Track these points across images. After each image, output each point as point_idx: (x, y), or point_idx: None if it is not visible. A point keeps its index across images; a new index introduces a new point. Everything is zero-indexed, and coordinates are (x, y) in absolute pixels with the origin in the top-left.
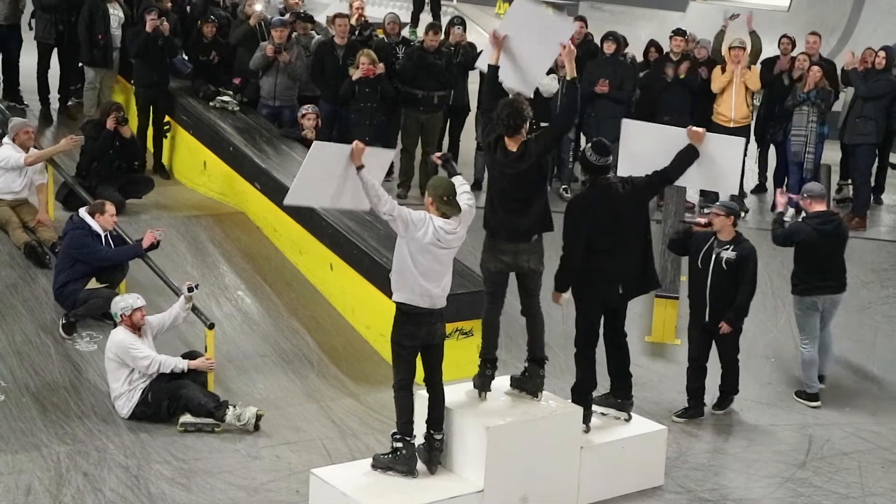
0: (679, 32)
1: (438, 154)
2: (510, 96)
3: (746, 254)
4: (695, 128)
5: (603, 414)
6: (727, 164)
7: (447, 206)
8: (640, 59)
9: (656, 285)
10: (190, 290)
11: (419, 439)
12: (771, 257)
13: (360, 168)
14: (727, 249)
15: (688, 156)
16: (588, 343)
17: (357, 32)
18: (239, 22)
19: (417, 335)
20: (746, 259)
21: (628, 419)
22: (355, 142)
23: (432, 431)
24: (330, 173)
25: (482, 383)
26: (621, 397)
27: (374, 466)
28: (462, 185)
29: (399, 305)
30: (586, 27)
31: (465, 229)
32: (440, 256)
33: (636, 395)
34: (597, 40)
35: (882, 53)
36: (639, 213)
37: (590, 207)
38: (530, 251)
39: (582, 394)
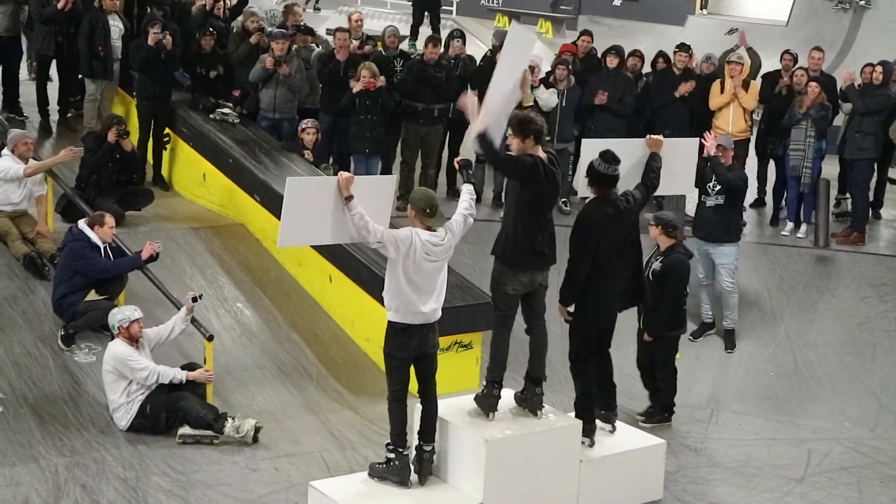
0: (683, 48)
1: (459, 159)
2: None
3: (672, 265)
4: (653, 136)
5: None
6: (684, 165)
7: (429, 217)
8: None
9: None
10: (194, 300)
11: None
12: (769, 272)
13: (348, 199)
14: (658, 260)
15: (656, 164)
16: (584, 357)
17: (359, 45)
18: (238, 37)
19: (409, 346)
20: (669, 271)
21: (612, 430)
22: (340, 172)
23: (422, 443)
24: (318, 209)
25: (490, 404)
26: (606, 408)
27: (371, 475)
28: (469, 193)
29: (392, 323)
30: (592, 41)
31: (456, 240)
32: (431, 271)
33: (634, 409)
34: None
35: (879, 68)
36: (635, 228)
37: (600, 221)
38: (546, 270)
39: (585, 408)
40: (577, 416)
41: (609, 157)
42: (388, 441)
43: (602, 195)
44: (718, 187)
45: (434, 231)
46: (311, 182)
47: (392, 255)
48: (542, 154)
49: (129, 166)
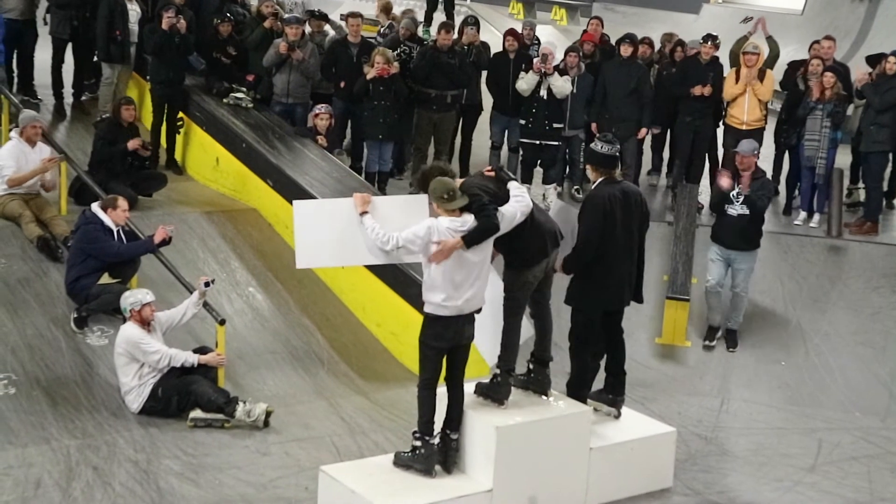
0: (710, 38)
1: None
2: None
3: None
4: None
5: (595, 410)
6: None
7: (448, 203)
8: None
9: (640, 300)
10: (207, 285)
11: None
12: (782, 261)
13: (363, 214)
14: None
15: None
16: (585, 340)
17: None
18: (255, 22)
19: (444, 336)
20: None
21: (617, 416)
22: (356, 193)
23: (448, 431)
24: (333, 229)
25: (505, 392)
26: (614, 394)
27: (396, 464)
28: (516, 189)
29: (428, 312)
30: (602, 27)
31: (505, 227)
32: (468, 259)
33: (646, 397)
34: (608, 41)
35: (892, 59)
36: (642, 216)
37: (610, 198)
38: (557, 248)
39: (577, 388)
40: (567, 395)
41: (608, 138)
42: (415, 429)
43: (608, 176)
44: (743, 197)
45: (457, 217)
46: (319, 204)
47: (420, 249)
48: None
49: (142, 158)
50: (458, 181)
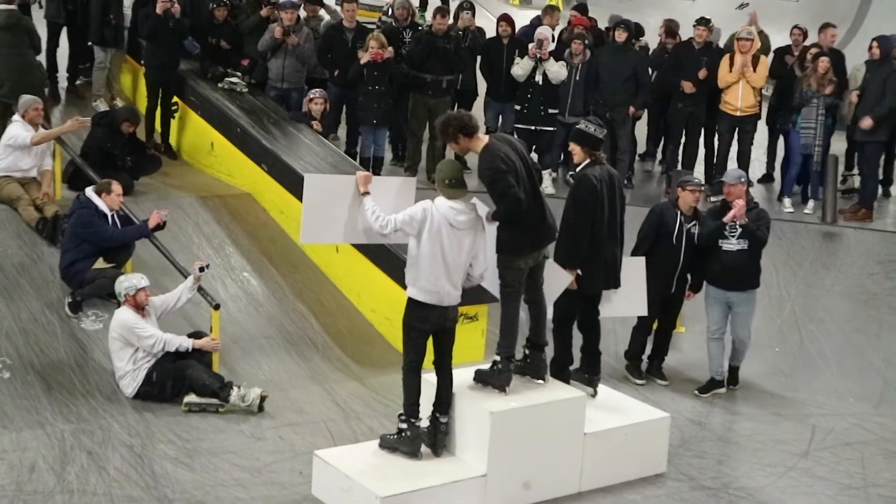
0: (702, 22)
1: None
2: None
3: None
4: None
5: None
6: (633, 285)
7: (452, 189)
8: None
9: (618, 284)
10: (201, 269)
11: (425, 422)
12: (777, 247)
13: (364, 194)
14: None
15: None
16: (568, 321)
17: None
18: (250, 6)
19: (429, 318)
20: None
21: (594, 395)
22: (358, 172)
23: (438, 415)
24: (339, 206)
25: (507, 379)
26: (590, 373)
27: (381, 446)
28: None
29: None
30: (586, 14)
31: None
32: (461, 244)
33: (640, 383)
34: (600, 27)
35: (875, 44)
36: (622, 199)
37: (598, 182)
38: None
39: (561, 370)
40: (551, 376)
41: (596, 121)
42: (401, 412)
43: (593, 158)
44: (739, 230)
45: (456, 201)
46: (329, 179)
47: (415, 231)
48: (489, 141)
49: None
50: (483, 139)
